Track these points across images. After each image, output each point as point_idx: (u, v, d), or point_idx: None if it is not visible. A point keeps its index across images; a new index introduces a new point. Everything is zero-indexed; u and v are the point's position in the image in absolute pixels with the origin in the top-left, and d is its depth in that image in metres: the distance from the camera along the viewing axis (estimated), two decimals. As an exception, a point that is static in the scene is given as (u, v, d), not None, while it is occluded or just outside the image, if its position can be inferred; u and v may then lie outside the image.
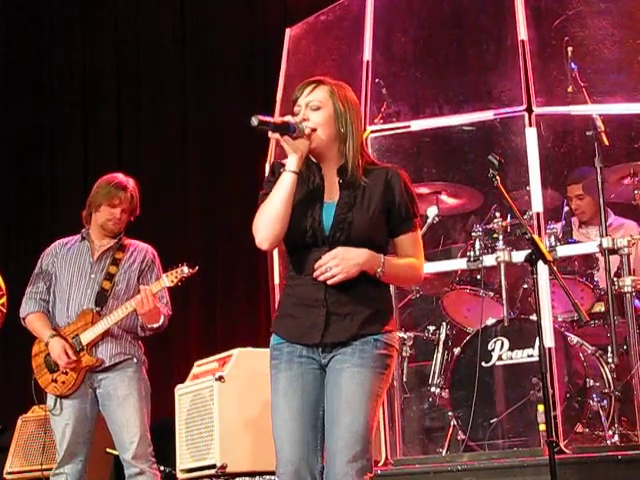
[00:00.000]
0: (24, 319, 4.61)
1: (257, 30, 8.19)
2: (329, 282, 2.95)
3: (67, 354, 4.39)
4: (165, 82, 8.58)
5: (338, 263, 2.94)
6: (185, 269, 4.43)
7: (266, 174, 3.23)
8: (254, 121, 2.95)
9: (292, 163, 3.01)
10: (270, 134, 3.01)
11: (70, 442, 4.42)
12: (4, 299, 4.98)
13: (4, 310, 4.98)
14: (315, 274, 2.96)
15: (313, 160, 3.10)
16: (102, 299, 4.49)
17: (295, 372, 3.02)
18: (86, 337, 4.43)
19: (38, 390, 4.55)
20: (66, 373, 4.44)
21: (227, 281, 7.89)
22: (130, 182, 4.64)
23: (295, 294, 3.07)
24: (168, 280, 4.42)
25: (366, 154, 3.15)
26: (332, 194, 3.07)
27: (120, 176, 4.65)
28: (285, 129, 2.98)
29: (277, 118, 3.01)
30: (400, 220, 3.08)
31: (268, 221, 3.00)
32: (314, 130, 3.02)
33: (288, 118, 3.01)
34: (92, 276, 4.54)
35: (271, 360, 3.09)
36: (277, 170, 3.10)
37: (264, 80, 7.71)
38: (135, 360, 4.51)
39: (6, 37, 9.02)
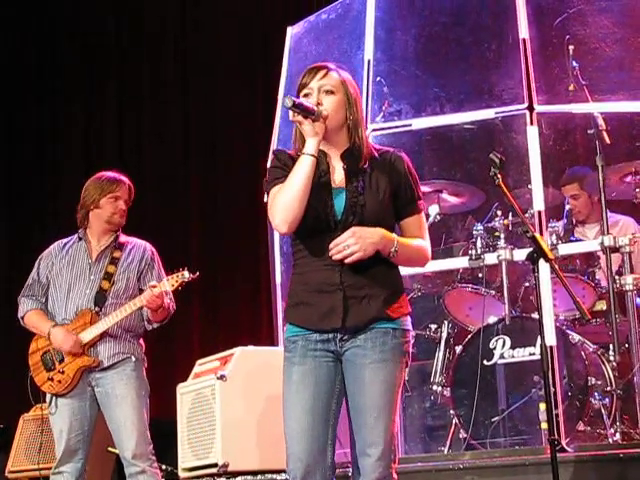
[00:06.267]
0: (22, 318, 4.60)
1: (258, 28, 8.19)
2: (347, 260, 2.94)
3: (70, 340, 4.38)
4: (167, 82, 8.59)
5: (356, 241, 2.93)
6: (186, 274, 4.44)
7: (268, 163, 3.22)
8: (288, 102, 2.95)
9: (312, 146, 3.00)
10: (292, 116, 3.00)
11: (68, 441, 4.40)
12: None
13: None
14: (331, 253, 2.95)
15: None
16: (101, 299, 4.48)
17: (309, 366, 3.00)
18: (86, 336, 4.42)
19: (35, 389, 4.55)
20: (62, 372, 4.43)
21: (229, 279, 7.90)
22: (122, 176, 4.66)
23: (307, 280, 3.04)
24: (168, 284, 4.43)
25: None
26: (337, 179, 3.08)
27: (108, 173, 4.67)
28: (310, 112, 2.99)
29: (303, 100, 3.01)
30: (405, 202, 3.10)
31: (287, 204, 2.98)
32: (328, 114, 3.02)
33: (306, 101, 3.01)
34: (91, 277, 4.52)
35: (285, 352, 3.07)
36: (282, 157, 3.10)
37: (265, 79, 7.71)
38: (134, 359, 4.49)
39: (6, 37, 9.02)
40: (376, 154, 3.11)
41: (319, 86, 3.06)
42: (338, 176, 3.08)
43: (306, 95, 3.06)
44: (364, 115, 3.19)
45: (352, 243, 2.93)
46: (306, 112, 2.98)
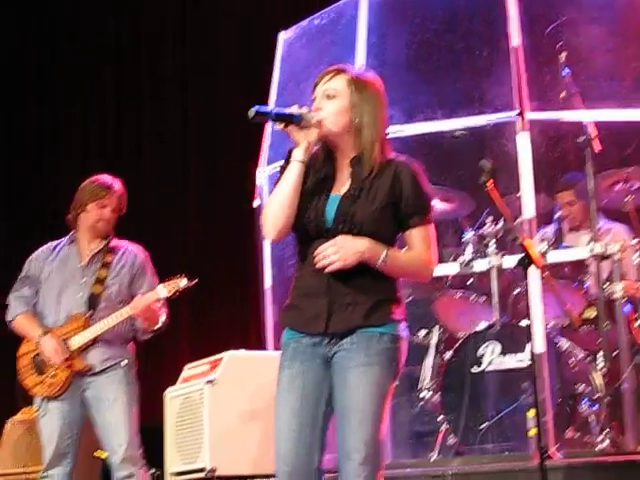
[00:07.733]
0: (12, 321, 4.58)
1: (258, 28, 8.17)
2: (327, 269, 2.94)
3: (60, 352, 4.36)
4: (166, 82, 8.58)
5: (336, 251, 2.92)
6: (184, 281, 4.41)
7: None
8: (250, 113, 2.93)
9: (297, 153, 2.99)
10: (277, 125, 2.98)
11: (58, 445, 4.40)
12: None
13: None
14: (315, 260, 2.95)
15: (331, 150, 3.08)
16: (93, 303, 4.46)
17: (297, 369, 3.01)
18: (76, 341, 4.41)
19: (24, 392, 4.52)
20: (54, 376, 4.41)
21: (218, 284, 7.88)
22: (116, 182, 4.63)
23: (300, 285, 3.07)
24: (165, 291, 4.40)
25: (386, 148, 3.08)
26: (341, 186, 3.05)
27: (104, 176, 4.65)
28: (288, 119, 2.95)
29: (280, 108, 2.98)
30: (407, 214, 3.04)
31: (274, 212, 3.00)
32: (322, 120, 2.99)
33: (293, 108, 2.96)
34: (83, 280, 4.51)
35: (280, 356, 3.09)
36: None
37: (264, 79, 7.68)
38: (125, 364, 4.49)
39: (6, 37, 9.01)
40: (387, 162, 3.05)
41: (323, 91, 3.04)
42: (341, 182, 3.06)
43: (313, 99, 3.05)
44: (380, 117, 3.05)
45: (332, 252, 2.92)
46: (283, 119, 2.95)
